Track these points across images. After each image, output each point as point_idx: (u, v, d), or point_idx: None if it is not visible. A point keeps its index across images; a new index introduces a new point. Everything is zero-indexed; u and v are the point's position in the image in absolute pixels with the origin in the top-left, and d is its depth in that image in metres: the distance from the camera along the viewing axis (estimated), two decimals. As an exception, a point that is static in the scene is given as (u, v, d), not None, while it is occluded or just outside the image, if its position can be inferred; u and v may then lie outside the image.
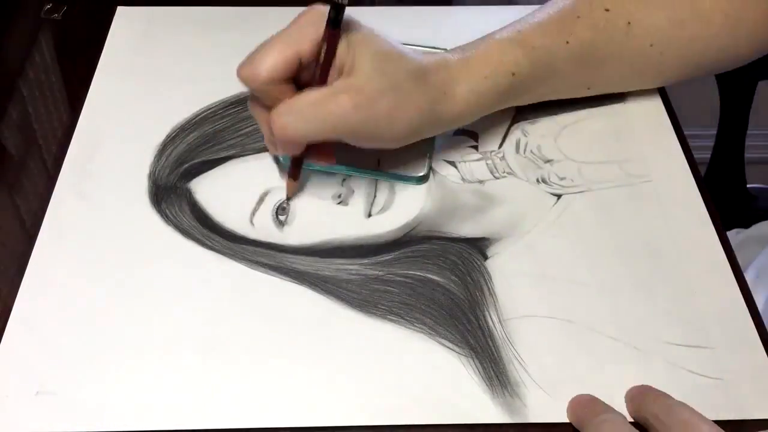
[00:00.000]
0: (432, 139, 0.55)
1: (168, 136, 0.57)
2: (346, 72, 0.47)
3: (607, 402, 0.43)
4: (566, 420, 0.43)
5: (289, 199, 0.53)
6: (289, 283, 0.49)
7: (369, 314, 0.47)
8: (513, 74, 0.52)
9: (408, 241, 0.51)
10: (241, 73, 0.47)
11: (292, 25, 0.48)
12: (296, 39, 0.47)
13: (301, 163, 0.52)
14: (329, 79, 0.48)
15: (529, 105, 0.59)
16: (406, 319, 0.47)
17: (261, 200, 0.53)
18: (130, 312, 0.47)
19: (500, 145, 0.57)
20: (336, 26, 0.46)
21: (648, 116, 0.59)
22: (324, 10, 0.47)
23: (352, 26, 0.48)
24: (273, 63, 0.46)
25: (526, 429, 0.43)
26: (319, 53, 0.47)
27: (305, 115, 0.46)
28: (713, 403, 0.44)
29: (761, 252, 0.70)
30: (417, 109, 0.49)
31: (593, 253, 0.51)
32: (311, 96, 0.47)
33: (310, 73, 0.48)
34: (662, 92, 0.61)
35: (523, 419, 0.43)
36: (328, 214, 0.52)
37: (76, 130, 0.57)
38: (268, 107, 0.47)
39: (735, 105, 0.85)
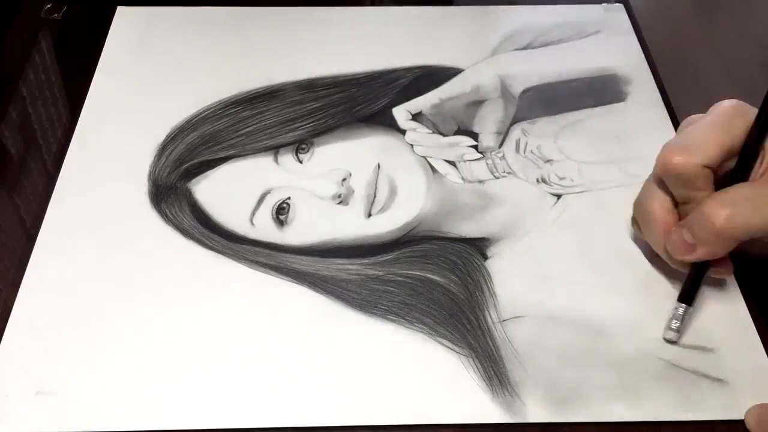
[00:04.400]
0: None
1: (168, 136, 0.57)
2: None
3: (605, 401, 0.43)
4: (565, 420, 0.43)
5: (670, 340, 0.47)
6: (289, 283, 0.49)
7: (369, 314, 0.47)
8: None
9: (408, 241, 0.51)
10: (673, 161, 0.44)
11: (720, 116, 0.45)
12: (729, 129, 0.44)
13: (702, 278, 0.47)
14: (752, 173, 0.45)
15: (528, 105, 0.59)
16: (406, 319, 0.47)
17: (261, 200, 0.53)
18: (130, 312, 0.47)
19: (500, 145, 0.57)
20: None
21: (648, 116, 0.59)
22: (748, 107, 0.45)
23: None
24: (712, 152, 0.44)
25: (526, 429, 0.43)
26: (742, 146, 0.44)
27: (751, 207, 0.42)
28: (713, 403, 0.44)
29: None
30: None
31: (593, 253, 0.51)
32: (749, 189, 0.44)
33: (723, 167, 0.45)
34: (662, 92, 0.61)
35: (523, 419, 0.43)
36: (328, 214, 0.52)
37: (76, 130, 0.57)
38: (673, 203, 0.46)
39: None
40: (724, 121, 0.45)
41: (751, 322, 0.48)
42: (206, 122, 0.58)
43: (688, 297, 0.47)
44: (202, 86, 0.60)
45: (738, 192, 0.43)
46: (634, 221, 0.49)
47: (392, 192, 0.54)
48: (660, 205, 0.46)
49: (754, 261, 0.49)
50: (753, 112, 0.45)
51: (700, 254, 0.44)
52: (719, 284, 0.49)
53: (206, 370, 0.45)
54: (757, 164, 0.45)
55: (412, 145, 0.57)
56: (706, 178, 0.44)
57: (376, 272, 0.49)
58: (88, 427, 0.43)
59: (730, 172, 0.45)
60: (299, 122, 0.58)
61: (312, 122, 0.58)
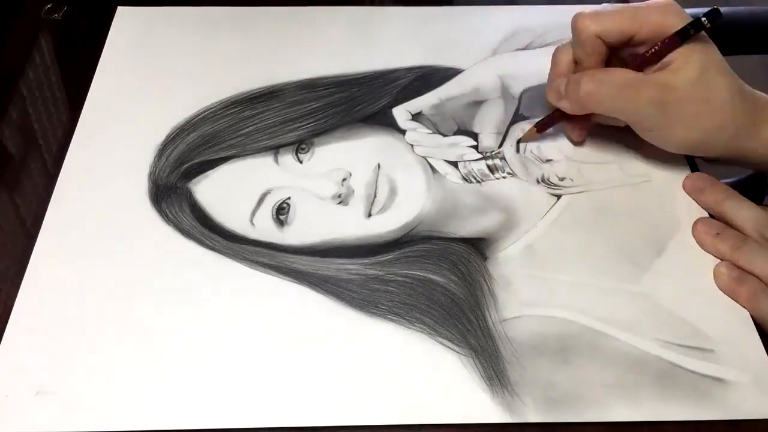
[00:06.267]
0: None
1: (168, 136, 0.57)
2: (671, 68, 0.50)
3: (605, 401, 0.44)
4: (565, 419, 0.43)
5: (519, 140, 0.57)
6: (289, 283, 0.49)
7: (369, 314, 0.47)
8: None
9: (408, 241, 0.51)
10: (578, 22, 0.51)
11: (644, 5, 0.51)
12: (641, 19, 0.50)
13: (555, 122, 0.56)
14: (647, 68, 0.51)
15: (528, 105, 0.59)
16: (406, 319, 0.47)
17: (261, 200, 0.53)
18: (130, 312, 0.47)
19: (500, 145, 0.57)
20: (685, 39, 0.50)
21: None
22: (679, 9, 0.50)
23: (698, 37, 0.50)
24: (610, 26, 0.50)
25: (525, 429, 0.43)
26: (654, 42, 0.50)
27: (616, 91, 0.50)
28: (713, 403, 0.44)
29: None
30: (718, 127, 0.51)
31: (593, 253, 0.51)
32: (628, 76, 0.50)
33: (630, 51, 0.52)
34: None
35: (522, 419, 0.43)
36: (328, 214, 0.52)
37: (76, 130, 0.57)
38: (574, 61, 0.53)
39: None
40: (640, 11, 0.51)
41: (751, 322, 0.48)
42: (206, 122, 0.58)
43: (540, 125, 0.56)
44: (202, 86, 0.60)
45: (619, 74, 0.51)
46: None
47: (392, 192, 0.54)
48: (565, 54, 0.54)
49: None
50: (677, 15, 0.50)
51: (562, 105, 0.53)
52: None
53: (206, 369, 0.45)
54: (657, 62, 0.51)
55: (412, 145, 0.57)
56: (595, 45, 0.51)
57: (376, 272, 0.49)
58: (88, 427, 0.43)
59: (635, 56, 0.52)
60: (299, 122, 0.58)
61: (312, 122, 0.58)
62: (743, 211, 0.50)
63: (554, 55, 0.55)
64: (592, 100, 0.51)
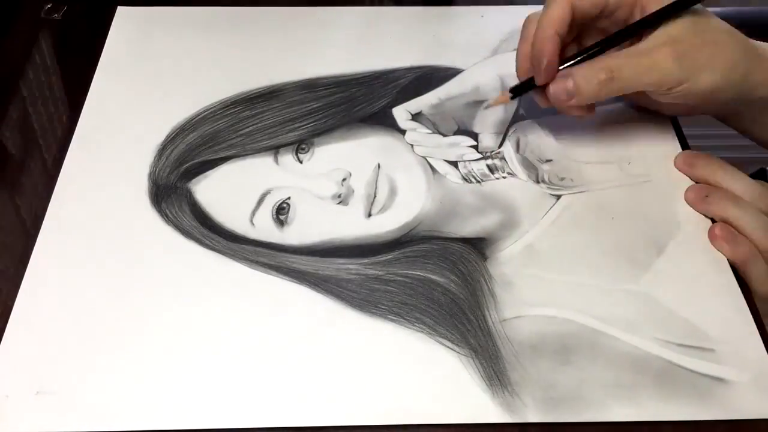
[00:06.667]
0: None
1: (168, 136, 0.57)
2: (661, 29, 0.51)
3: (605, 401, 0.44)
4: (565, 420, 0.43)
5: (487, 107, 0.57)
6: (289, 283, 0.49)
7: (369, 314, 0.47)
8: None
9: (408, 241, 0.51)
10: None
11: None
12: None
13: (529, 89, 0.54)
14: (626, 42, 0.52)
15: (529, 105, 0.59)
16: (406, 319, 0.47)
17: (261, 200, 0.53)
18: (130, 312, 0.47)
19: (500, 145, 0.57)
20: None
21: (648, 116, 0.59)
22: None
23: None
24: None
25: (525, 429, 0.43)
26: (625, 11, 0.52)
27: (633, 66, 0.50)
28: (713, 403, 0.44)
29: None
30: (733, 64, 0.51)
31: (593, 253, 0.51)
32: (633, 49, 0.51)
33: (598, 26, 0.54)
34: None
35: (522, 419, 0.43)
36: (328, 214, 0.52)
37: (76, 130, 0.57)
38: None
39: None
40: None
41: (751, 321, 0.48)
42: (206, 122, 0.58)
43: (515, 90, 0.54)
44: (202, 86, 0.60)
45: (619, 55, 0.51)
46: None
47: (392, 192, 0.54)
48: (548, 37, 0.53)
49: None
50: None
51: (573, 103, 0.52)
52: (719, 284, 0.49)
53: (206, 369, 0.45)
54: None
55: (412, 145, 0.57)
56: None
57: (376, 272, 0.49)
58: (88, 427, 0.43)
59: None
60: (299, 122, 0.58)
61: (312, 122, 0.58)
62: (737, 183, 0.52)
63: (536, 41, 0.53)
64: (612, 86, 0.50)
